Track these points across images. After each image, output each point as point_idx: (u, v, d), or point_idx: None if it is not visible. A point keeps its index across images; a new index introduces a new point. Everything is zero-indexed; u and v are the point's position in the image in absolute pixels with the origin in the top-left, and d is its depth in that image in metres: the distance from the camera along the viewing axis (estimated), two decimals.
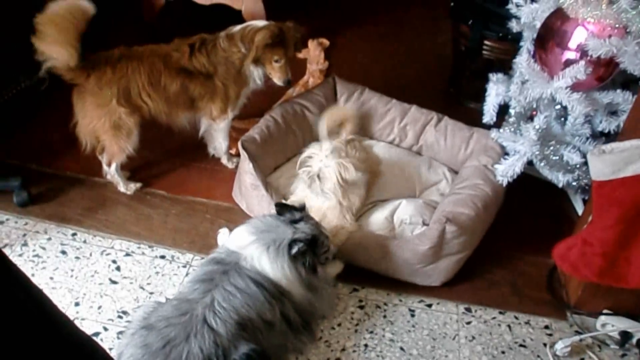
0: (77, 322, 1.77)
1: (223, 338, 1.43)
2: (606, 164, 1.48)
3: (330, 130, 2.27)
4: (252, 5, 3.16)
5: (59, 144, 2.54)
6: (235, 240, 1.67)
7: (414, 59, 3.38)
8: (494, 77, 2.19)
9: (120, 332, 1.79)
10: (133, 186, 2.35)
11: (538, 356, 1.82)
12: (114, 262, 2.05)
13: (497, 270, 2.10)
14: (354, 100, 2.52)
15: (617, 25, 1.81)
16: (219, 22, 2.33)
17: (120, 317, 1.86)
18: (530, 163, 2.09)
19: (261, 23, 2.22)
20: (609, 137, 2.04)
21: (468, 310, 1.96)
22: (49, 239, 2.12)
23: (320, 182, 1.96)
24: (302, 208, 1.75)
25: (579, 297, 1.92)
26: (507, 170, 2.08)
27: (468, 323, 1.92)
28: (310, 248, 1.62)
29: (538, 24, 2.05)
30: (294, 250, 1.57)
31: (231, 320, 1.46)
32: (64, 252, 2.07)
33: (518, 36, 2.25)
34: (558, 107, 2.06)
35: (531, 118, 2.13)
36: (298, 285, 1.61)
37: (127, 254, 2.08)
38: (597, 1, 1.82)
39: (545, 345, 1.85)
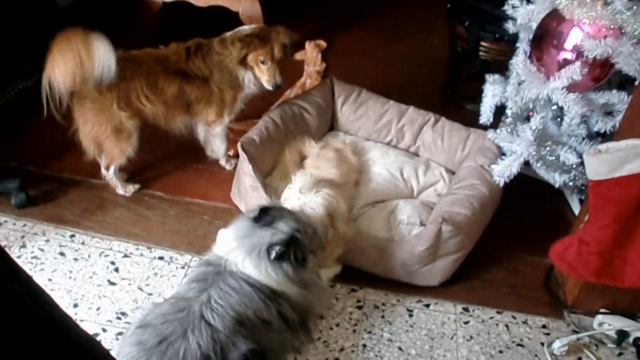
0: None
1: (221, 333, 1.42)
2: (602, 164, 1.49)
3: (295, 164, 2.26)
4: (249, 8, 3.17)
5: (58, 145, 2.54)
6: (221, 245, 1.66)
7: (410, 61, 3.39)
8: (490, 78, 2.20)
9: (119, 333, 1.79)
10: (131, 188, 2.35)
11: (536, 355, 1.83)
12: (113, 263, 2.05)
13: (494, 270, 2.11)
14: (351, 101, 2.53)
15: (612, 26, 1.82)
16: (216, 25, 2.33)
17: (119, 318, 1.86)
18: (526, 163, 2.10)
19: (251, 27, 2.22)
20: (604, 137, 2.05)
21: (466, 310, 1.97)
22: (47, 240, 2.12)
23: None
24: (278, 207, 1.71)
25: (575, 296, 1.93)
26: (503, 170, 2.10)
27: (466, 323, 1.92)
28: (293, 246, 1.59)
29: (534, 25, 2.06)
30: (272, 255, 1.55)
31: (228, 316, 1.45)
32: (62, 254, 2.07)
33: (514, 37, 2.27)
34: (554, 107, 2.07)
35: (527, 119, 2.15)
36: (289, 285, 1.59)
37: (126, 256, 2.08)
38: (593, 2, 1.83)
39: (542, 344, 1.86)
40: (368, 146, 2.48)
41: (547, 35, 1.97)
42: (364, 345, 1.83)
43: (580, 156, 1.98)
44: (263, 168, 2.23)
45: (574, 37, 1.88)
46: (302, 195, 1.86)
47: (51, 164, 2.47)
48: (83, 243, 2.12)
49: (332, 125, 2.60)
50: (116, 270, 2.03)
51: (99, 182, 2.38)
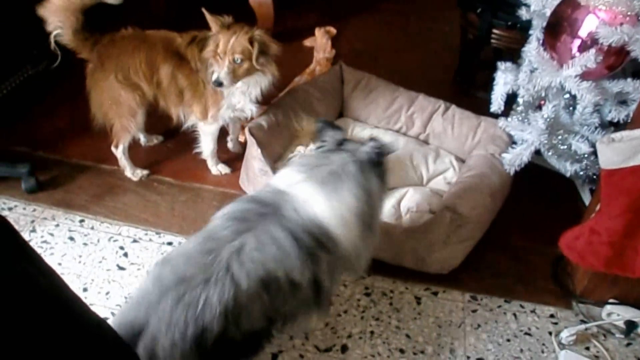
0: None
1: (243, 295, 1.27)
2: (616, 153, 1.47)
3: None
4: None
5: (67, 130, 2.55)
6: (283, 179, 1.49)
7: (421, 48, 3.36)
8: (502, 65, 2.17)
9: None
10: (140, 172, 2.36)
11: (543, 344, 1.83)
12: (122, 248, 2.06)
13: (503, 259, 2.10)
14: (361, 88, 2.51)
15: (629, 13, 1.79)
16: (227, 12, 2.31)
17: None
18: (537, 152, 2.08)
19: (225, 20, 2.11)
20: (617, 126, 2.02)
21: (474, 298, 1.96)
22: (57, 225, 2.14)
23: None
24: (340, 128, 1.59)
25: (584, 286, 1.92)
26: (514, 159, 2.08)
27: (474, 311, 1.92)
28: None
29: (548, 12, 2.03)
30: (374, 155, 1.46)
31: (256, 276, 1.29)
32: (72, 239, 2.09)
33: (527, 24, 2.23)
34: (567, 96, 2.04)
35: (539, 107, 2.12)
36: (356, 219, 1.43)
37: (135, 241, 2.09)
38: None
39: (550, 333, 1.86)
40: (377, 133, 2.47)
41: (561, 22, 1.94)
42: (372, 332, 1.83)
43: (592, 145, 1.96)
44: (271, 153, 2.23)
45: (589, 24, 1.85)
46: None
47: (61, 149, 2.49)
48: (92, 228, 2.13)
49: (341, 112, 2.59)
50: (125, 255, 2.04)
51: (108, 168, 2.38)
